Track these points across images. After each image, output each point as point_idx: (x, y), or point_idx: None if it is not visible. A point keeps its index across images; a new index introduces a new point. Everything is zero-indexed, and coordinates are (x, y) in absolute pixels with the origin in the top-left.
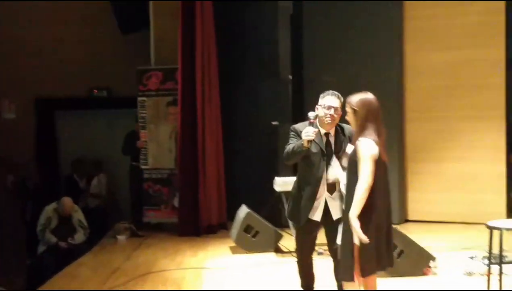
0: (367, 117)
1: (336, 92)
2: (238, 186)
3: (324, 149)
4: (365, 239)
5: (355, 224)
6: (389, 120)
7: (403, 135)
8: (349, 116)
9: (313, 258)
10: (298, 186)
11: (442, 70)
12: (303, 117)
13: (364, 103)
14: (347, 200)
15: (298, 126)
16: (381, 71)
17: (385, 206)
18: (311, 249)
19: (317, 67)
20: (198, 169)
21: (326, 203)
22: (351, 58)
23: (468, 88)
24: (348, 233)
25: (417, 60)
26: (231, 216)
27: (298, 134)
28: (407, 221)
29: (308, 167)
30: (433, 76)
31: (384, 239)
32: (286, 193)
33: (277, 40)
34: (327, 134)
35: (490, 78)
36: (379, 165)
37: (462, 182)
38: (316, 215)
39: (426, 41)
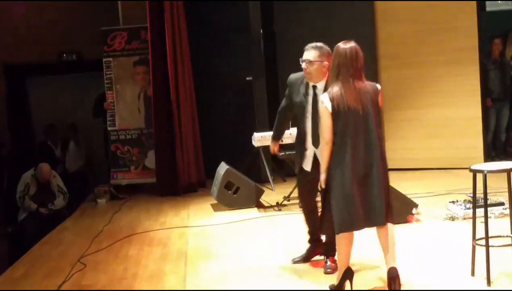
0: (334, 68)
1: (314, 44)
2: (216, 143)
3: (304, 102)
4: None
5: (322, 178)
6: (364, 70)
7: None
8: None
9: (317, 203)
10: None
11: (412, 15)
12: (276, 71)
13: (335, 54)
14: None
15: (292, 78)
16: (352, 21)
17: (360, 160)
18: (310, 193)
19: (288, 21)
20: (174, 128)
21: (315, 154)
22: (321, 8)
23: (439, 32)
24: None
25: (387, 6)
26: (210, 174)
27: (290, 91)
28: None
29: (297, 117)
30: (404, 22)
31: (364, 195)
32: (265, 148)
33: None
34: (314, 87)
35: (462, 21)
36: (345, 117)
37: (439, 128)
38: (307, 165)
39: None
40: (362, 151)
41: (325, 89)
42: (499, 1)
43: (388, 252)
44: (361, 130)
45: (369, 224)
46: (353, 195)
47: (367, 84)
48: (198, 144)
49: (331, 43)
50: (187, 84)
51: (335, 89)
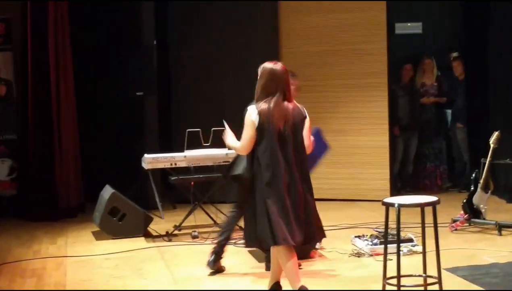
0: (264, 88)
1: None
2: (100, 164)
3: None
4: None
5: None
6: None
7: None
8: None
9: None
10: None
11: (318, 34)
12: (170, 86)
13: (264, 73)
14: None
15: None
16: (254, 35)
17: (281, 180)
18: None
19: (184, 30)
20: (53, 146)
21: None
22: (222, 21)
23: (347, 54)
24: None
25: (292, 23)
26: (92, 198)
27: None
28: None
29: None
30: (309, 41)
31: (282, 214)
32: (155, 172)
33: (140, 5)
34: None
35: (371, 43)
36: (267, 134)
37: (344, 156)
38: None
39: (302, 3)
40: (287, 174)
41: None
42: (408, 24)
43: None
44: (286, 152)
45: (301, 241)
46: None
47: (296, 106)
48: (78, 163)
49: (229, 59)
50: (69, 96)
51: (263, 105)
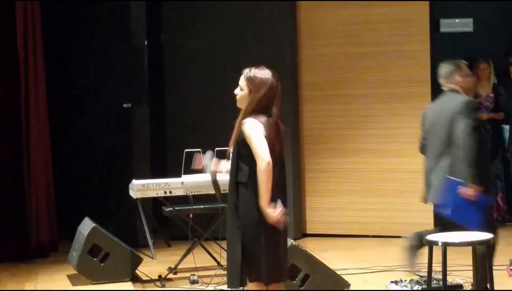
0: (261, 102)
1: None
2: (77, 192)
3: None
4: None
5: (269, 210)
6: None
7: (297, 121)
8: (243, 94)
9: None
10: None
11: (346, 33)
12: (164, 96)
13: (263, 84)
14: (231, 190)
15: None
16: (266, 34)
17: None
18: None
19: (181, 31)
20: (21, 169)
21: None
22: (227, 17)
23: (381, 57)
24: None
25: (314, 19)
26: (67, 234)
27: None
28: (305, 235)
29: None
30: (335, 43)
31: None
32: (145, 201)
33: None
34: None
35: (410, 44)
36: (272, 157)
37: (374, 183)
38: None
39: None
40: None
41: None
42: (456, 20)
43: None
44: (284, 178)
45: None
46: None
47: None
48: (51, 191)
49: (235, 64)
50: (40, 108)
51: (263, 121)
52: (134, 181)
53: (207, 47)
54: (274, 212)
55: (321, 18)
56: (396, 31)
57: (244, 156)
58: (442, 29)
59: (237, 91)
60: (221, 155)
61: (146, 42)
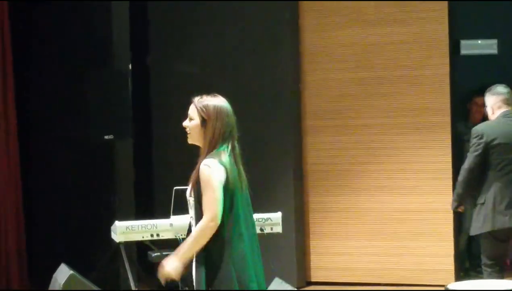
0: (222, 132)
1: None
2: (52, 234)
3: None
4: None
5: (174, 263)
6: (281, 131)
7: (300, 155)
8: (195, 126)
9: None
10: None
11: (356, 55)
12: (150, 127)
13: (221, 112)
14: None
15: None
16: (266, 57)
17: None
18: None
19: (170, 53)
20: None
21: None
22: (223, 39)
23: (394, 82)
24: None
25: (319, 41)
26: (41, 281)
27: None
28: (309, 283)
29: None
30: (342, 65)
31: None
32: (129, 245)
33: (110, 15)
34: None
35: (427, 68)
36: (232, 196)
37: (389, 225)
38: None
39: (329, 14)
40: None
41: None
42: (479, 41)
43: None
44: (250, 219)
45: None
46: None
47: None
48: (21, 233)
49: (230, 90)
50: (10, 139)
51: (225, 158)
52: (117, 223)
53: (199, 71)
54: (171, 267)
55: (327, 39)
56: (412, 53)
57: None
58: (463, 51)
59: (185, 123)
60: (180, 194)
61: (130, 66)
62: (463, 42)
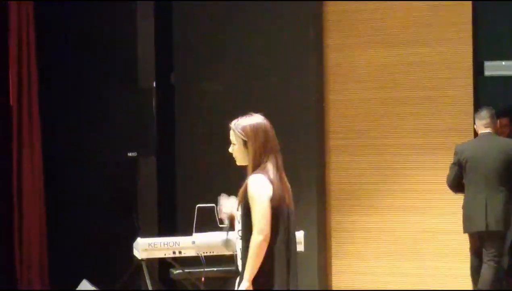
0: (264, 149)
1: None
2: (74, 250)
3: None
4: None
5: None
6: (304, 150)
7: (323, 174)
8: (238, 149)
9: None
10: None
11: (380, 76)
12: (173, 145)
13: (258, 130)
14: (243, 255)
15: None
16: (292, 77)
17: (289, 272)
18: None
19: (195, 71)
20: (12, 226)
21: None
22: (248, 58)
23: (416, 103)
24: None
25: (343, 60)
26: None
27: None
28: None
29: None
30: (367, 85)
31: None
32: (151, 262)
33: (136, 33)
34: None
35: (450, 89)
36: (279, 212)
37: (409, 245)
38: None
39: (354, 34)
40: (292, 262)
41: None
42: (503, 63)
43: None
44: (292, 235)
45: None
46: None
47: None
48: (44, 250)
49: (254, 108)
50: (35, 156)
51: (271, 174)
52: (139, 240)
53: (223, 90)
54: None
55: (352, 58)
56: (436, 74)
57: None
58: (487, 73)
59: (230, 149)
60: (204, 213)
61: (154, 84)
62: (487, 64)
